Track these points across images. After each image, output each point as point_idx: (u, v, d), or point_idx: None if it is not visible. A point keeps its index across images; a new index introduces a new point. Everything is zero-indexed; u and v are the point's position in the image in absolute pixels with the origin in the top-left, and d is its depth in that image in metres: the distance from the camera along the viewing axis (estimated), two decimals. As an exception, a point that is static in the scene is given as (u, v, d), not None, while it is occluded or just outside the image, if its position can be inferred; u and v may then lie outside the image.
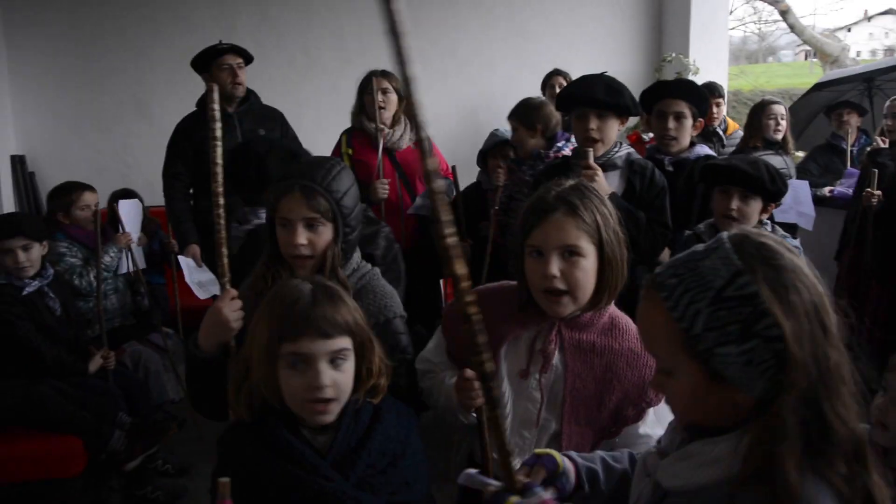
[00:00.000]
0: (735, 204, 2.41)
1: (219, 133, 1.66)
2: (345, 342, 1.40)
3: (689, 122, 2.88)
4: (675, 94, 2.89)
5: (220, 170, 1.66)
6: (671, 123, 2.86)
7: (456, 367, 1.68)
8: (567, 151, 3.21)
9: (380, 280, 1.90)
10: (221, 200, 1.66)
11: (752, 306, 0.91)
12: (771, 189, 2.41)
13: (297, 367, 1.38)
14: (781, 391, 0.89)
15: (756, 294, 0.91)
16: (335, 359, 1.39)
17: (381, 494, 1.41)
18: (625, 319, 1.64)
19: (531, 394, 1.61)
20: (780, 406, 0.89)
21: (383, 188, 3.48)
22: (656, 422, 1.56)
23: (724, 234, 0.99)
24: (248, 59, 3.80)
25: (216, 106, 1.69)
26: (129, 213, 3.77)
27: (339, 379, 1.39)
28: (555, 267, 1.51)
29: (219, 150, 1.66)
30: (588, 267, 1.54)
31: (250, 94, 3.83)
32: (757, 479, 0.89)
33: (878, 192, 3.85)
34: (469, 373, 1.51)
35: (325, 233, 1.75)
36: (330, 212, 1.73)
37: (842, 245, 4.30)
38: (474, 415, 1.58)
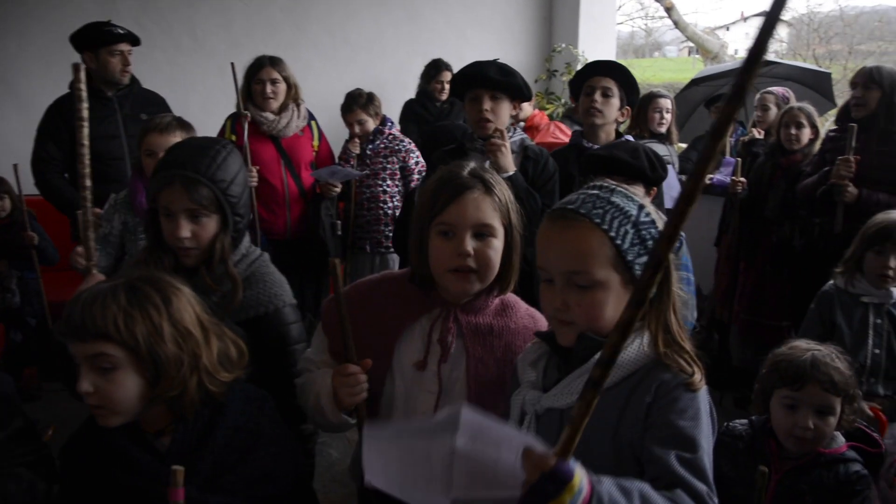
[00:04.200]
0: None
1: (85, 114, 1.57)
2: (103, 347, 1.27)
3: (615, 101, 2.87)
4: (606, 72, 2.91)
5: (86, 151, 1.56)
6: (597, 96, 2.85)
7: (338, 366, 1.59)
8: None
9: (269, 267, 1.82)
10: (88, 182, 1.56)
11: (654, 228, 1.24)
12: (651, 176, 2.49)
13: (80, 368, 1.29)
14: (664, 290, 1.22)
15: (654, 220, 1.25)
16: (98, 364, 1.28)
17: (235, 493, 1.33)
18: (512, 298, 1.64)
19: (428, 385, 1.56)
20: (663, 301, 1.23)
21: (250, 176, 3.40)
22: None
23: (606, 182, 1.29)
24: (137, 43, 3.65)
25: (83, 86, 1.59)
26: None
27: (102, 387, 1.28)
28: (469, 245, 1.48)
29: (85, 131, 1.56)
30: (498, 247, 1.52)
31: (132, 78, 3.67)
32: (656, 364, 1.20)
33: (743, 180, 4.11)
34: (352, 368, 1.46)
35: (211, 224, 1.66)
36: (215, 202, 1.65)
37: (720, 231, 4.54)
38: (346, 416, 1.51)
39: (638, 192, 2.42)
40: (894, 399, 2.42)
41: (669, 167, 4.18)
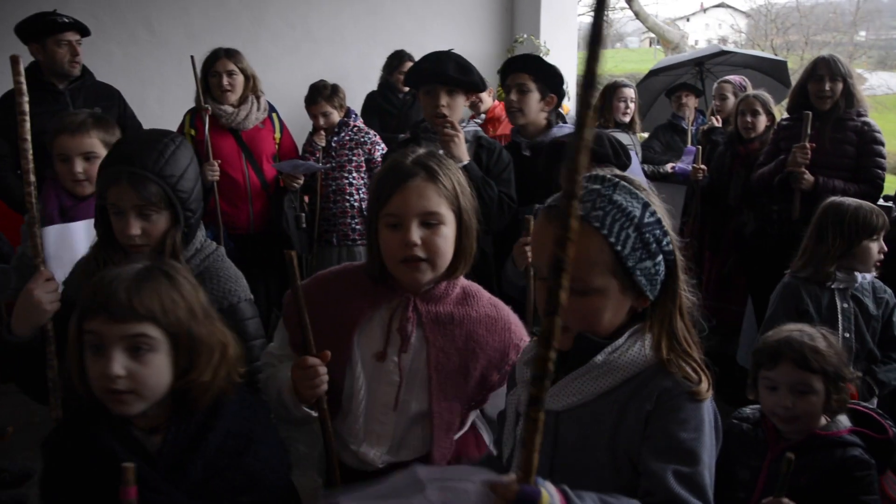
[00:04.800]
0: None
1: (26, 108, 1.53)
2: (144, 328, 1.22)
3: (533, 95, 2.87)
4: (519, 67, 2.92)
5: (29, 146, 1.51)
6: (513, 95, 2.87)
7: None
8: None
9: (224, 262, 1.78)
10: (33, 178, 1.51)
11: (660, 228, 1.15)
12: (616, 163, 2.51)
13: (97, 351, 1.22)
14: (668, 292, 1.17)
15: (660, 219, 1.15)
16: (135, 346, 1.22)
17: (222, 498, 1.28)
18: (475, 287, 1.62)
19: (389, 376, 1.54)
20: (667, 304, 1.17)
21: (212, 171, 3.36)
22: None
23: (608, 173, 1.18)
24: (86, 33, 3.56)
25: (22, 79, 1.54)
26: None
27: (136, 370, 1.22)
28: (415, 234, 1.46)
29: (27, 126, 1.51)
30: (448, 234, 1.50)
31: (84, 70, 3.59)
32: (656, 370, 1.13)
33: (704, 167, 4.17)
34: (311, 360, 1.44)
35: (161, 220, 1.62)
36: (165, 199, 1.60)
37: (683, 219, 4.59)
38: (308, 409, 1.50)
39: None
40: (865, 379, 2.46)
41: (633, 155, 4.24)
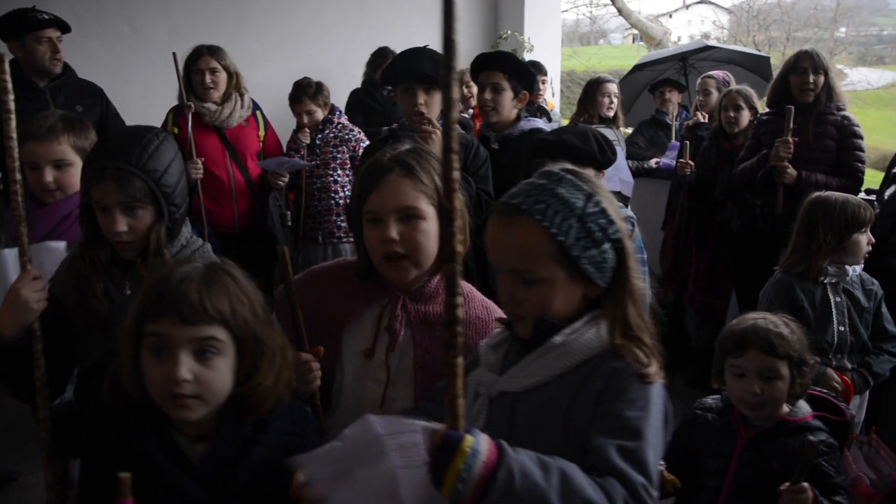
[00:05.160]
0: None
1: (11, 106, 1.51)
2: (214, 331, 1.18)
3: (507, 93, 2.91)
4: (492, 65, 2.94)
5: (15, 144, 1.50)
6: (487, 94, 2.91)
7: None
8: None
9: (210, 256, 1.77)
10: (18, 176, 1.50)
11: (605, 217, 1.20)
12: (601, 159, 2.52)
13: (159, 353, 1.17)
14: (620, 280, 1.22)
15: (605, 209, 1.21)
16: (202, 349, 1.18)
17: None
18: (467, 287, 1.61)
19: (375, 374, 1.54)
20: (619, 291, 1.22)
21: (195, 169, 3.34)
22: None
23: (555, 169, 1.24)
24: (66, 29, 3.51)
25: (7, 77, 1.52)
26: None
27: (203, 374, 1.17)
28: (393, 230, 1.46)
29: (12, 124, 1.50)
30: (429, 229, 1.49)
31: (66, 67, 3.55)
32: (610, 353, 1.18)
33: (691, 163, 4.20)
34: (305, 356, 1.45)
35: (146, 216, 1.63)
36: (149, 194, 1.61)
37: (668, 214, 4.62)
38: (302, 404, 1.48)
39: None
40: (861, 371, 2.49)
41: (619, 150, 4.27)
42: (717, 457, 1.87)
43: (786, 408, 1.86)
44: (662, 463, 1.37)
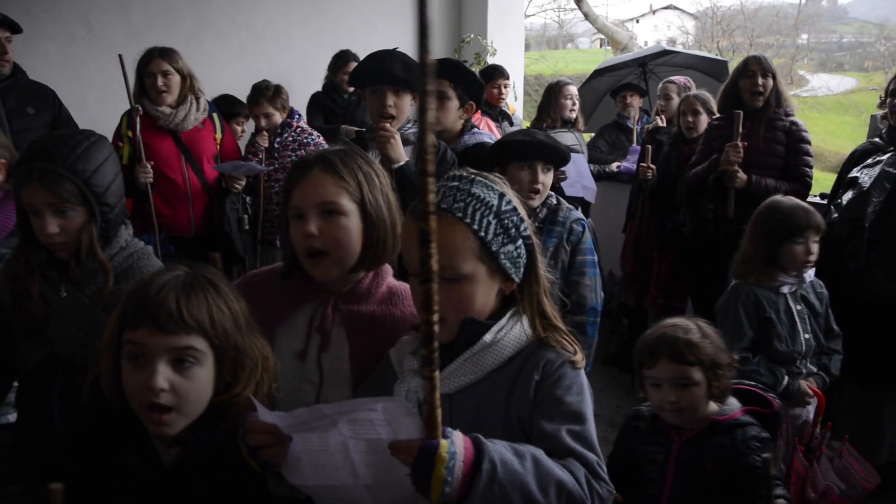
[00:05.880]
0: (541, 178, 2.42)
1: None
2: (192, 341, 1.17)
3: (453, 103, 2.80)
4: (438, 72, 2.88)
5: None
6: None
7: None
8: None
9: (149, 259, 1.78)
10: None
11: (517, 215, 1.26)
12: (566, 157, 2.55)
13: (137, 362, 1.17)
14: (531, 275, 1.28)
15: (516, 207, 1.27)
16: (180, 359, 1.17)
17: None
18: (403, 286, 1.61)
19: (309, 375, 1.54)
20: (532, 286, 1.27)
21: (144, 173, 3.28)
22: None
23: (465, 172, 1.30)
24: (17, 30, 3.44)
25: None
26: None
27: (180, 384, 1.16)
28: (313, 225, 1.46)
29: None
30: (349, 226, 1.49)
31: (16, 69, 3.49)
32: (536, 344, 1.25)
33: (653, 167, 4.24)
34: None
35: (77, 217, 1.63)
36: (78, 194, 1.60)
37: (628, 217, 4.67)
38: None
39: (551, 175, 2.50)
40: (821, 375, 2.52)
41: (581, 157, 4.30)
42: (654, 464, 1.89)
43: (715, 406, 1.87)
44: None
